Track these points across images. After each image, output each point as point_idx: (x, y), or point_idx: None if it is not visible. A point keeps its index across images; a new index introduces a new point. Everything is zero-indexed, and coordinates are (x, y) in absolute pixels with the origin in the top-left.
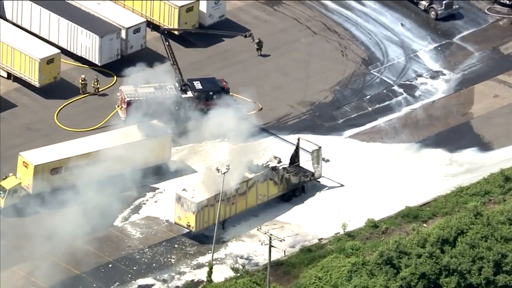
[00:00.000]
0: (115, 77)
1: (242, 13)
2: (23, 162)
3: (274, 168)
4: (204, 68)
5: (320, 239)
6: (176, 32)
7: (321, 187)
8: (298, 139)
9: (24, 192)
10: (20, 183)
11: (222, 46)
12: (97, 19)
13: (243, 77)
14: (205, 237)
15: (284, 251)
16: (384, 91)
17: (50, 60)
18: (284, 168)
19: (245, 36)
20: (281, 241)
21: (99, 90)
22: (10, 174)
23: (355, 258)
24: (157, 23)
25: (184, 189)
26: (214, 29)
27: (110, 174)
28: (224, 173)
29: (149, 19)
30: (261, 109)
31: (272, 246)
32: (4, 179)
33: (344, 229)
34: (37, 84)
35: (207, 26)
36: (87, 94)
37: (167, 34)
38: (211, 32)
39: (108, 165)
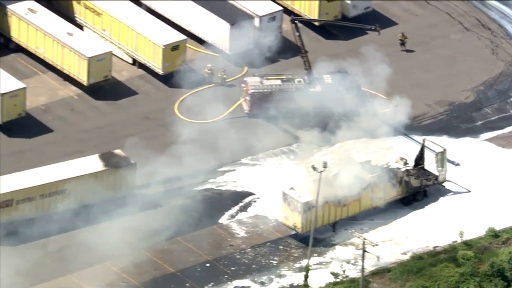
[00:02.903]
0: (245, 67)
1: (391, 5)
2: None
3: (392, 170)
4: (341, 62)
5: (434, 247)
6: (316, 23)
7: (445, 192)
8: (424, 140)
9: None
10: None
11: (364, 39)
12: (230, 6)
13: (381, 73)
14: (313, 239)
15: (378, 257)
16: None
17: (174, 47)
18: (405, 170)
19: (371, 29)
20: (374, 246)
21: (227, 80)
22: None
23: (465, 268)
24: (298, 12)
25: (292, 188)
26: (357, 22)
27: (66, 208)
28: (321, 171)
29: (289, 8)
30: (397, 106)
31: (366, 251)
32: None
33: (461, 237)
34: (160, 71)
35: (350, 17)
36: (212, 84)
37: (307, 24)
38: (338, 24)
39: (64, 198)
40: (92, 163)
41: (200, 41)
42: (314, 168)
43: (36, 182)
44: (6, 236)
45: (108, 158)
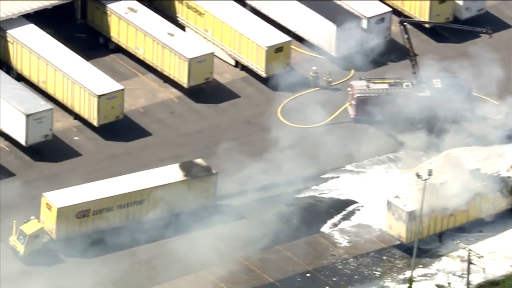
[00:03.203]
0: (352, 70)
1: (506, 7)
2: (46, 203)
3: (503, 179)
4: (450, 65)
5: None
6: (426, 25)
7: None
8: None
9: (48, 237)
10: (43, 227)
11: (477, 42)
12: (337, 7)
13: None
14: (418, 249)
15: (484, 269)
16: None
17: (278, 49)
18: None
19: (482, 32)
20: (479, 258)
21: (332, 84)
22: (32, 217)
23: None
24: (407, 14)
25: (396, 196)
26: (470, 24)
27: (145, 218)
28: (425, 179)
29: (399, 9)
30: (509, 112)
31: (472, 263)
32: (25, 222)
33: None
34: (263, 74)
35: (462, 20)
36: (317, 88)
37: (417, 25)
38: (449, 26)
39: (143, 209)
40: (172, 173)
41: (305, 43)
42: (418, 176)
43: (113, 192)
44: (91, 246)
45: (188, 168)
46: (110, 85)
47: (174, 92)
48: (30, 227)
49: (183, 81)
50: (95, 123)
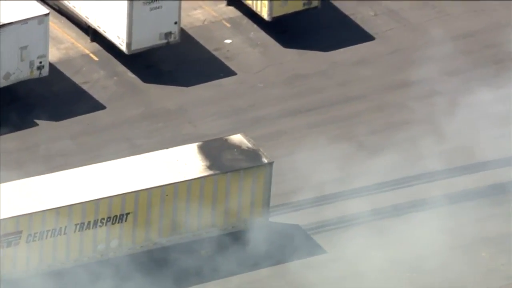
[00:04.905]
0: None
1: None
2: None
3: None
4: None
5: None
6: None
7: None
8: None
9: None
10: None
11: None
12: None
13: None
14: None
15: None
16: None
17: None
18: None
19: None
20: None
21: None
22: None
23: None
24: None
25: None
26: None
27: (130, 250)
28: None
29: None
30: None
31: None
32: None
33: None
34: None
35: None
36: None
37: None
38: None
39: (125, 232)
40: (185, 162)
41: None
42: None
43: (69, 200)
44: None
45: (215, 153)
46: None
47: None
48: None
49: None
50: (264, 14)
